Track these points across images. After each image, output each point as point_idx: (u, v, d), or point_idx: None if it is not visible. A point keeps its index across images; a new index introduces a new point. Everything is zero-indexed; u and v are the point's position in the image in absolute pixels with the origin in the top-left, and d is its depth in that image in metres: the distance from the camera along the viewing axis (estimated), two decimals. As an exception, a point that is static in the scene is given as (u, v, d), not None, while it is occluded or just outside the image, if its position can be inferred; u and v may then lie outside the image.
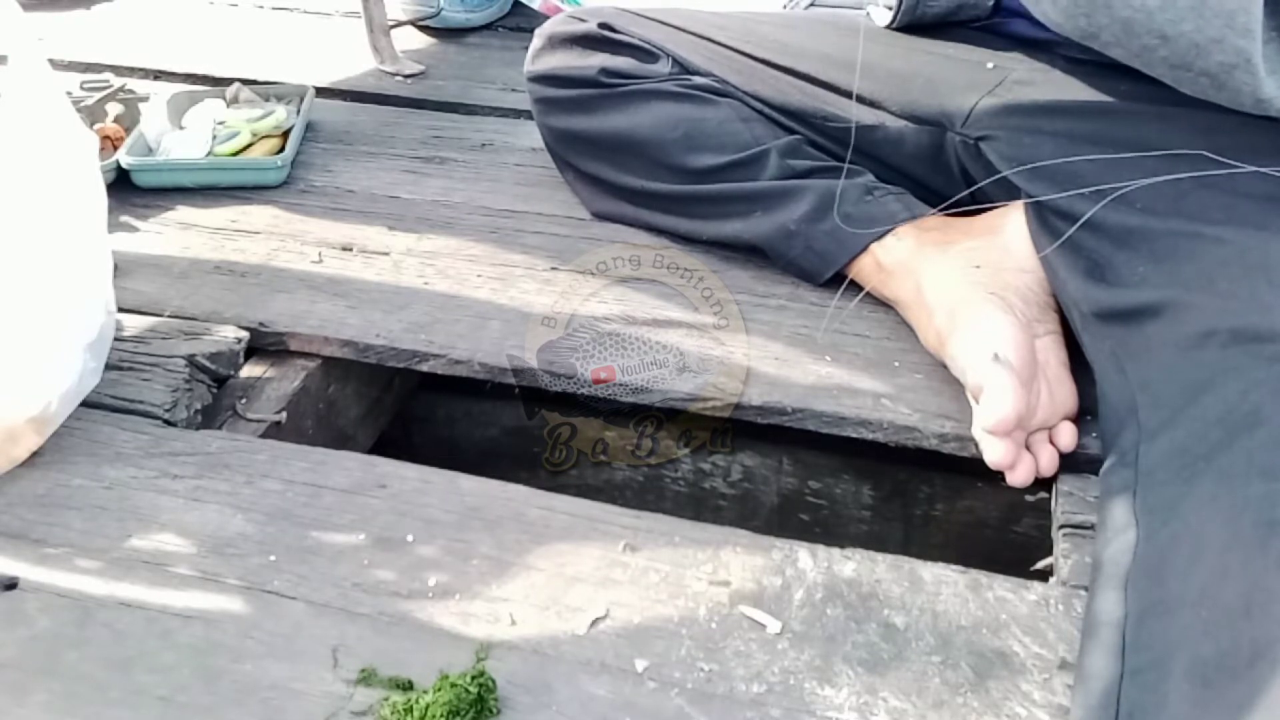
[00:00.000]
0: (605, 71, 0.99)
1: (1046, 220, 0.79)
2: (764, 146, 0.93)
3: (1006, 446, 0.71)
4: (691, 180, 0.96)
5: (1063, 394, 0.76)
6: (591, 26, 1.01)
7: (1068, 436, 0.74)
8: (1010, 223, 0.83)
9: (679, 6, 1.06)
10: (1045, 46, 0.89)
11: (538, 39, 1.05)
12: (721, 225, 0.95)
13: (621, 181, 1.00)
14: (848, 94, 0.92)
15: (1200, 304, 0.66)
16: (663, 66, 0.99)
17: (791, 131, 0.96)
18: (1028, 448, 0.73)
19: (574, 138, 1.03)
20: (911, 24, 0.96)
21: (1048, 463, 0.73)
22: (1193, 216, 0.71)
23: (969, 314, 0.77)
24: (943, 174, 0.91)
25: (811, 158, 0.95)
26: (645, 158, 0.98)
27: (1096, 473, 0.72)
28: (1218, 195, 0.71)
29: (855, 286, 0.89)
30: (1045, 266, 0.79)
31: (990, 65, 0.90)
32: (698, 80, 0.98)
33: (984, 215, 0.85)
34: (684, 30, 1.02)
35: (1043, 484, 0.75)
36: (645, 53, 1.00)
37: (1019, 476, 0.72)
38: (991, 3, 0.92)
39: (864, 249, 0.88)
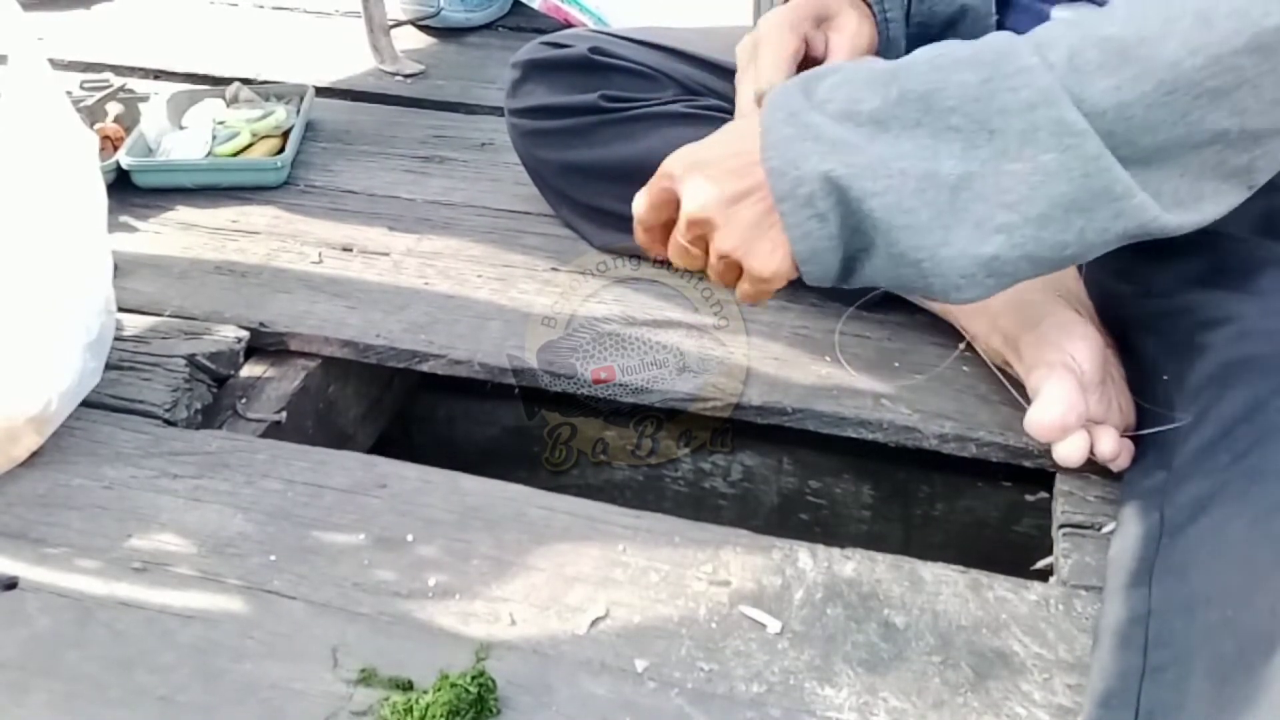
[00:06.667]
0: (606, 96, 0.93)
1: None
2: None
3: (1071, 440, 0.68)
4: None
5: (1126, 403, 0.73)
6: (581, 51, 0.94)
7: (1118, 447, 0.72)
8: None
9: (653, 26, 1.00)
10: None
11: (515, 70, 0.97)
12: None
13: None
14: None
15: (1240, 305, 0.66)
16: (665, 90, 0.94)
17: None
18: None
19: (574, 170, 0.96)
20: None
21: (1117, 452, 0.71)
22: (1236, 226, 0.70)
23: (1041, 315, 0.75)
24: None
25: None
26: None
27: (1095, 473, 0.72)
28: (1260, 204, 0.71)
29: (892, 298, 0.86)
30: (1089, 269, 0.78)
31: None
32: (706, 101, 0.93)
33: None
34: (678, 51, 0.96)
35: (1043, 484, 0.75)
36: (644, 77, 0.95)
37: (1104, 452, 0.69)
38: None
39: None
